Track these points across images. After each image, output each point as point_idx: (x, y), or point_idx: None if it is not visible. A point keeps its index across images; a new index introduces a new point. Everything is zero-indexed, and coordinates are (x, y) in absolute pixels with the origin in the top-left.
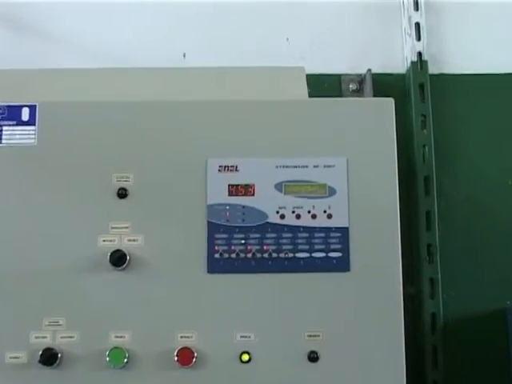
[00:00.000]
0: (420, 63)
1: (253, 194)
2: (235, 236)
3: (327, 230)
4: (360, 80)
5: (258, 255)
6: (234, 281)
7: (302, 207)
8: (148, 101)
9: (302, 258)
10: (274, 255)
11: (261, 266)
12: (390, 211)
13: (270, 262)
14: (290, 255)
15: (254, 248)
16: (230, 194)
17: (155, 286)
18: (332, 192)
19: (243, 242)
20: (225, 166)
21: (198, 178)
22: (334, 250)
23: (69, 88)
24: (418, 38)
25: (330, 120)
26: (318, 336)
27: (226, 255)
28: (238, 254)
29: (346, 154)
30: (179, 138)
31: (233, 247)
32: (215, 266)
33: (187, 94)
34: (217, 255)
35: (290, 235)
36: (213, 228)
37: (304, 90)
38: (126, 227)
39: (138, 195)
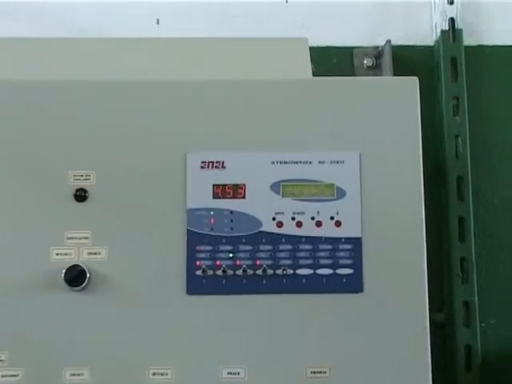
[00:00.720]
0: (452, 32)
1: (243, 197)
2: (221, 248)
3: (335, 240)
4: (377, 54)
5: (250, 272)
6: (220, 304)
7: (303, 213)
8: (114, 79)
9: (304, 276)
10: (270, 272)
11: (253, 286)
12: (414, 218)
13: (264, 281)
14: (290, 272)
15: (245, 263)
16: (215, 196)
17: (121, 311)
18: (341, 194)
19: (231, 255)
20: (209, 162)
21: (175, 177)
22: (344, 266)
23: (21, 61)
24: (451, 1)
25: (340, 104)
26: (324, 373)
27: (210, 272)
28: (224, 271)
29: (359, 147)
30: (152, 126)
31: (218, 262)
32: (196, 285)
33: (162, 71)
34: (198, 272)
35: (289, 247)
36: (194, 238)
37: (307, 66)
38: (86, 237)
39: (101, 198)
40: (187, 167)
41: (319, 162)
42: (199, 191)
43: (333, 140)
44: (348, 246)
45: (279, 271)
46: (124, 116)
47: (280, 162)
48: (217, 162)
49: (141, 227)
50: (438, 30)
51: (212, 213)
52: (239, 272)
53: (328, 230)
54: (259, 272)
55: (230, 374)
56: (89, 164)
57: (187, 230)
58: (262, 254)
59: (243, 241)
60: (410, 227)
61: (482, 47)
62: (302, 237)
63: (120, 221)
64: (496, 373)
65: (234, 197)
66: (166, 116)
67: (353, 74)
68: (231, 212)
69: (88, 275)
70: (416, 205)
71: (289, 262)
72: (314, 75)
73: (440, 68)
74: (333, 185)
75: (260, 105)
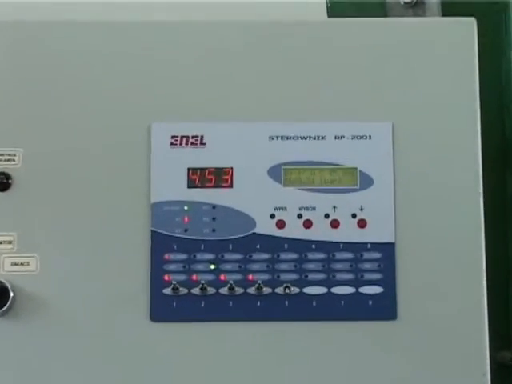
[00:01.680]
0: None
1: (230, 186)
2: (200, 257)
3: (358, 247)
4: None
5: (239, 290)
6: (196, 335)
7: (314, 208)
8: (47, 20)
9: (315, 296)
10: (267, 290)
11: (243, 310)
12: (469, 216)
13: (258, 303)
14: (295, 291)
15: (232, 278)
16: (191, 184)
17: (57, 343)
18: (366, 182)
19: (213, 267)
20: (181, 137)
21: (134, 158)
22: (370, 283)
23: None
24: None
25: (365, 55)
26: None
27: (184, 290)
28: (203, 289)
29: (392, 116)
30: (102, 85)
31: (195, 276)
32: (164, 309)
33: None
34: (167, 290)
35: (293, 256)
36: (160, 243)
37: (321, 3)
38: (9, 241)
39: (29, 186)
40: (152, 144)
41: (336, 138)
42: (168, 178)
43: (355, 106)
44: (376, 255)
45: (280, 289)
46: (60, 71)
47: (281, 138)
48: (193, 137)
49: (86, 228)
50: None
51: (186, 208)
52: (224, 290)
53: (348, 233)
54: (252, 290)
55: None
56: (13, 140)
57: (151, 231)
58: (256, 266)
59: (230, 247)
60: (463, 228)
61: None
62: (311, 241)
63: (56, 219)
64: None
65: (216, 186)
66: (122, 71)
67: (384, 14)
68: (213, 207)
69: (12, 294)
70: (472, 197)
71: (293, 276)
72: (329, 16)
73: (510, 7)
74: (355, 169)
75: (254, 55)
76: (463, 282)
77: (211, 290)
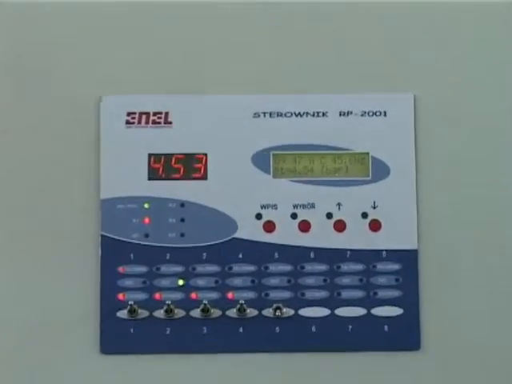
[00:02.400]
0: None
1: (203, 177)
2: (164, 270)
3: (370, 256)
4: None
5: (216, 313)
6: (160, 371)
7: (313, 206)
8: None
9: (315, 320)
10: (252, 313)
11: (222, 338)
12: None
13: (241, 329)
14: (288, 313)
15: (207, 296)
16: (153, 175)
17: None
18: (381, 171)
19: (182, 283)
20: (140, 114)
21: (79, 141)
22: (386, 303)
23: None
24: None
25: (377, 13)
26: None
27: (144, 313)
28: (169, 310)
29: (414, 86)
30: (40, 46)
31: (158, 295)
32: (118, 337)
33: None
34: (122, 313)
35: (286, 268)
36: (113, 252)
37: None
38: None
39: None
40: (101, 123)
41: (341, 114)
42: (123, 167)
43: (366, 73)
44: (393, 267)
45: (269, 311)
46: None
47: (270, 114)
48: (155, 114)
49: (17, 233)
50: None
51: (147, 206)
52: (196, 313)
53: (357, 238)
54: (232, 313)
55: None
56: None
57: (101, 236)
58: (238, 281)
59: (203, 256)
60: (508, 231)
61: None
62: (309, 249)
63: None
64: None
65: (186, 177)
66: (65, 35)
67: None
68: (182, 205)
69: None
70: None
71: (286, 294)
72: None
73: None
74: (366, 155)
75: (234, 12)
76: (506, 301)
77: (179, 313)
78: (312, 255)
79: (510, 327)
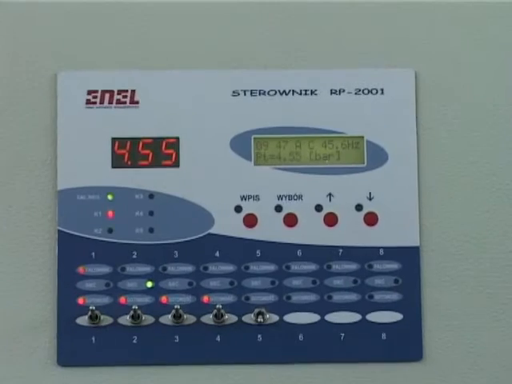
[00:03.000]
0: None
1: (175, 164)
2: (130, 270)
3: (365, 253)
4: None
5: (190, 319)
6: (124, 382)
7: (300, 197)
8: None
9: (303, 327)
10: (230, 319)
11: (196, 347)
12: None
13: (218, 338)
14: (272, 319)
15: (179, 301)
16: (118, 162)
17: None
18: (378, 158)
19: (150, 285)
20: (103, 92)
21: (32, 123)
22: (384, 307)
23: None
24: None
25: None
26: None
27: (108, 320)
28: (136, 316)
29: (415, 60)
30: None
31: (124, 299)
32: (78, 347)
33: None
34: (82, 320)
35: (270, 268)
36: (72, 250)
37: None
38: None
39: None
40: (58, 102)
41: (333, 92)
42: (83, 153)
43: (360, 46)
44: (392, 266)
45: (250, 317)
46: None
47: (251, 93)
48: (120, 93)
49: None
50: None
51: (110, 197)
52: (167, 319)
53: (351, 233)
54: (208, 319)
55: None
56: None
57: (58, 232)
58: (215, 283)
59: (175, 254)
60: None
61: None
62: (296, 246)
63: None
64: None
65: (155, 164)
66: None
67: None
68: (150, 196)
69: None
70: None
71: (270, 298)
72: None
73: None
74: (361, 139)
75: None
76: None
77: (148, 320)
78: (299, 253)
79: None
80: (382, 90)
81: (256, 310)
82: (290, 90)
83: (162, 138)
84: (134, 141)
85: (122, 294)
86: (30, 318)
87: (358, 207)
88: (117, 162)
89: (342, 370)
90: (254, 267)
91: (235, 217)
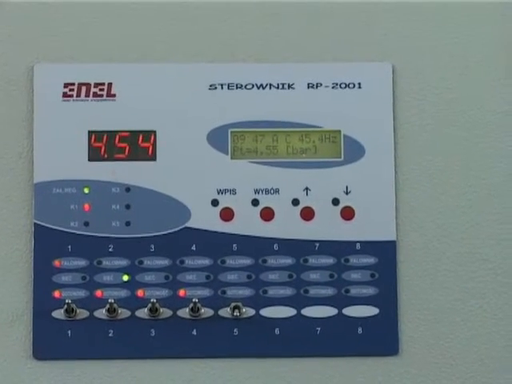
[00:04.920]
0: None
1: (151, 157)
2: (106, 264)
3: (342, 248)
4: None
5: (166, 313)
6: (102, 379)
7: (276, 191)
8: None
9: (279, 321)
10: (207, 313)
11: (172, 341)
12: (506, 200)
13: (194, 331)
14: (248, 313)
15: (155, 294)
16: (94, 156)
17: None
18: (355, 152)
19: (126, 278)
20: (80, 85)
21: (8, 116)
22: (360, 301)
23: None
24: None
25: None
26: None
27: (84, 313)
28: (112, 310)
29: (392, 54)
30: None
31: (100, 292)
32: (54, 340)
33: None
34: (58, 313)
35: (246, 262)
36: (48, 243)
37: None
38: None
39: None
40: (34, 95)
41: (310, 86)
42: (59, 146)
43: (338, 40)
44: (368, 260)
45: (226, 311)
46: None
47: (228, 86)
48: (97, 86)
49: None
50: None
51: (87, 191)
52: (143, 313)
53: (327, 227)
54: (184, 312)
55: None
56: None
57: (35, 225)
58: (191, 276)
59: (151, 248)
60: (498, 221)
61: None
62: (273, 240)
63: None
64: None
65: (132, 157)
66: None
67: None
68: (127, 189)
69: None
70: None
71: (246, 291)
72: None
73: None
74: (337, 133)
75: None
76: (497, 300)
77: (124, 313)
78: (276, 247)
79: (498, 329)
80: (360, 84)
81: (232, 304)
82: (267, 84)
83: (139, 132)
84: (111, 134)
85: (98, 287)
86: (6, 312)
87: (335, 201)
88: (93, 155)
89: (318, 364)
90: (231, 261)
91: (212, 210)
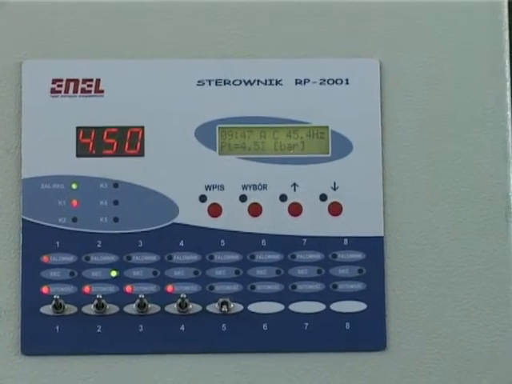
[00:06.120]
0: None
1: (139, 153)
2: (95, 259)
3: (330, 243)
4: None
5: (154, 308)
6: (90, 374)
7: (264, 187)
8: None
9: (267, 316)
10: (195, 308)
11: (160, 337)
12: (495, 197)
13: (182, 327)
14: (236, 308)
15: (143, 290)
16: (82, 151)
17: None
18: (342, 148)
19: (115, 274)
20: (68, 81)
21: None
22: (348, 297)
23: None
24: None
25: None
26: None
27: (72, 309)
28: (100, 306)
29: (379, 50)
30: None
31: (88, 288)
32: (42, 336)
33: None
34: (46, 309)
35: (234, 258)
36: (36, 239)
37: None
38: None
39: None
40: (23, 91)
41: (297, 82)
42: (47, 142)
43: (325, 36)
44: (356, 256)
45: (214, 306)
46: None
47: (215, 82)
48: (85, 82)
49: None
50: None
51: (75, 186)
52: (131, 308)
53: (315, 223)
54: (172, 308)
55: None
56: None
57: (22, 220)
58: (179, 272)
59: (140, 244)
60: (486, 217)
61: None
62: (261, 236)
63: None
64: None
65: (120, 153)
66: None
67: None
68: (115, 185)
69: None
70: (499, 170)
71: (234, 287)
72: None
73: None
74: (325, 129)
75: None
76: (484, 295)
77: (112, 309)
78: (263, 243)
79: (485, 325)
80: (347, 80)
81: (220, 300)
82: (254, 80)
83: (127, 128)
84: (99, 130)
85: (86, 283)
86: None
87: (323, 197)
88: (81, 151)
89: (306, 360)
90: (219, 257)
91: (200, 206)
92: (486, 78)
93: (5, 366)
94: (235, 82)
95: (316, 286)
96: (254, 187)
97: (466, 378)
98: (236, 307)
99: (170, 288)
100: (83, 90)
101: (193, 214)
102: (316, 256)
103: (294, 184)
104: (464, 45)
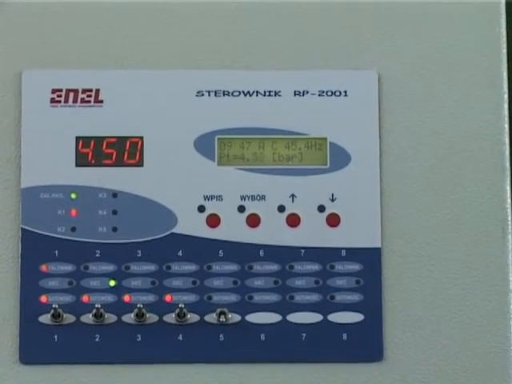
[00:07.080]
0: None
1: (138, 163)
2: (93, 268)
3: (327, 254)
4: None
5: (152, 318)
6: (86, 383)
7: (263, 197)
8: None
9: (264, 327)
10: (193, 318)
11: (158, 346)
12: (492, 208)
13: (180, 337)
14: (234, 319)
15: (142, 299)
16: (82, 161)
17: None
18: (341, 159)
19: (113, 283)
20: (67, 91)
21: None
22: (345, 308)
23: None
24: None
25: None
26: None
27: (70, 318)
28: (98, 315)
29: (378, 62)
30: None
31: (86, 297)
32: (40, 345)
33: None
34: (45, 318)
35: (232, 268)
36: (35, 248)
37: None
38: None
39: None
40: (22, 101)
41: (296, 94)
42: (47, 152)
43: (324, 48)
44: (353, 267)
45: (212, 316)
46: None
47: (215, 93)
48: (84, 92)
49: None
50: None
51: (74, 196)
52: (129, 318)
53: (313, 234)
54: (170, 318)
55: None
56: None
57: (22, 230)
58: (178, 282)
59: (138, 254)
60: (483, 228)
61: None
62: (258, 246)
63: None
64: None
65: (119, 163)
66: None
67: None
68: (114, 195)
69: None
70: (495, 183)
71: (232, 297)
72: None
73: None
74: (323, 140)
75: None
76: (481, 307)
77: (110, 318)
78: (261, 253)
79: (482, 336)
80: (346, 91)
81: (218, 310)
82: (253, 91)
83: (126, 138)
84: (98, 140)
85: (84, 292)
86: None
87: (321, 208)
88: (80, 161)
89: (303, 370)
90: (217, 267)
91: (198, 216)
92: (483, 91)
93: (3, 375)
94: (234, 93)
95: (313, 297)
96: (253, 198)
97: None
98: (234, 317)
99: (168, 298)
100: (83, 100)
101: (191, 224)
102: (314, 267)
103: (292, 195)
104: (462, 57)
